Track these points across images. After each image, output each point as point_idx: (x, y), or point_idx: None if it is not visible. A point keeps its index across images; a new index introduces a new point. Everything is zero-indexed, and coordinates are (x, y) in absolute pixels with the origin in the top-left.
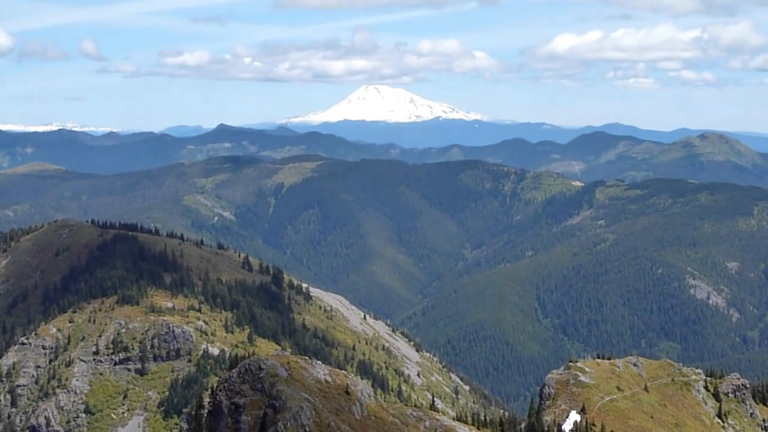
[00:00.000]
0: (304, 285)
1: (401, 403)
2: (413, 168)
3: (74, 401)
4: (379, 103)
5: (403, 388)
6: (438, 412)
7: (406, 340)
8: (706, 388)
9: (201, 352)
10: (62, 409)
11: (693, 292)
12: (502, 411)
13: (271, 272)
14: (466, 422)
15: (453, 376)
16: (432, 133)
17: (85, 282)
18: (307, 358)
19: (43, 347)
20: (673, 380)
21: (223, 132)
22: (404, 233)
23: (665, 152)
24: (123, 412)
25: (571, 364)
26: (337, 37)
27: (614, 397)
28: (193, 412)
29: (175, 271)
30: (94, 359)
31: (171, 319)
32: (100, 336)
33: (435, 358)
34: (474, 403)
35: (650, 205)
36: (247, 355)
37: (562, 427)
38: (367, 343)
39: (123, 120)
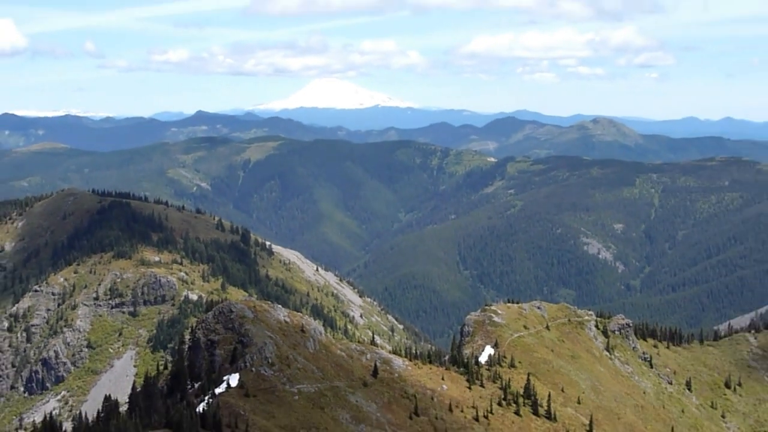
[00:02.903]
0: (267, 243)
1: (347, 339)
2: (357, 147)
3: (78, 338)
4: (330, 93)
5: (349, 327)
6: (377, 346)
7: (351, 287)
8: (596, 326)
9: (182, 298)
10: (68, 345)
11: (586, 248)
12: (429, 346)
13: (240, 232)
14: (400, 355)
15: (389, 317)
16: (373, 118)
17: (87, 240)
18: (269, 302)
19: (53, 294)
20: (569, 320)
21: (201, 117)
22: (349, 200)
23: (564, 134)
24: (118, 347)
25: (486, 307)
26: (295, 39)
27: (522, 334)
28: (176, 347)
29: (161, 231)
30: (95, 303)
31: (158, 270)
32: (99, 284)
33: (375, 303)
34: (407, 339)
35: (551, 177)
36: (220, 300)
37: (479, 359)
38: (319, 291)
39: (118, 106)
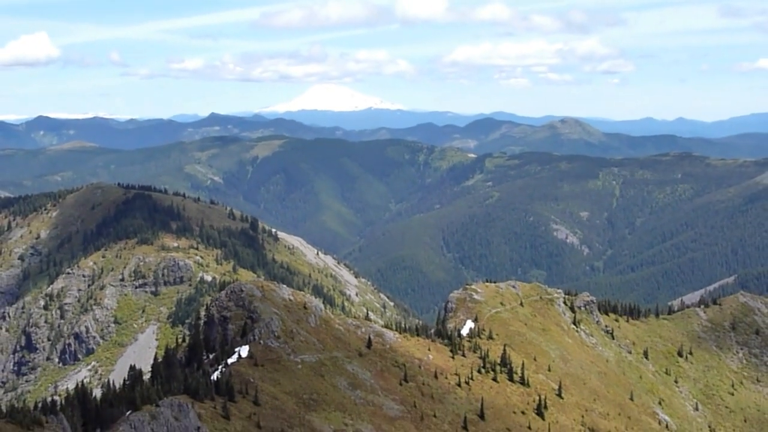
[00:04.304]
0: (273, 230)
1: (344, 315)
2: (353, 145)
3: (106, 315)
4: (328, 97)
5: (345, 304)
6: (371, 321)
7: (348, 269)
8: (564, 303)
9: (198, 279)
10: (97, 321)
11: (555, 234)
12: (417, 320)
13: (249, 221)
14: (391, 328)
15: (381, 296)
16: (366, 119)
17: (113, 228)
18: (275, 283)
19: (83, 275)
20: (540, 297)
21: (214, 118)
22: (346, 192)
23: (536, 132)
24: (142, 323)
25: (467, 286)
26: (297, 49)
27: (498, 310)
28: (193, 322)
29: (179, 220)
30: (121, 284)
31: (176, 254)
32: (125, 267)
33: (368, 283)
34: (397, 315)
35: (525, 171)
36: (232, 281)
37: (461, 332)
38: (319, 272)
39: (141, 109)
